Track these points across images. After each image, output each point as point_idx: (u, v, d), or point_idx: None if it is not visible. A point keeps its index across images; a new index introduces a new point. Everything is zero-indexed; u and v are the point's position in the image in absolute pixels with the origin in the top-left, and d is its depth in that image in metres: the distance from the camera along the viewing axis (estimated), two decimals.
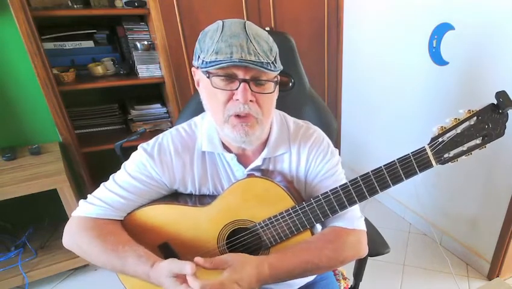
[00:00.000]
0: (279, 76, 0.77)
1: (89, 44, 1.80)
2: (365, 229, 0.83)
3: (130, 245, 0.74)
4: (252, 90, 0.69)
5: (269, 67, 0.67)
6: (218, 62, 0.65)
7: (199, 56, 0.70)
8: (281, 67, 0.74)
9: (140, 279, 0.73)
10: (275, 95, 0.77)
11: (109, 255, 0.73)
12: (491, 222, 1.67)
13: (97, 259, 0.75)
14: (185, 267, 0.64)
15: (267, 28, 2.11)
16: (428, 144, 0.67)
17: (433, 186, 1.97)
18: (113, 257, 0.73)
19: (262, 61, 0.66)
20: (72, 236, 0.77)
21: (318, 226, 0.88)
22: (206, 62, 0.67)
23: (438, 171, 1.91)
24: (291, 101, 1.18)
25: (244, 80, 0.68)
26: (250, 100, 0.69)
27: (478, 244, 1.79)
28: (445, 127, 0.66)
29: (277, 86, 0.76)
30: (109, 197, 0.78)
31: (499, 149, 1.55)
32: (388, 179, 0.70)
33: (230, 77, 0.68)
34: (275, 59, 0.70)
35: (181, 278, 0.66)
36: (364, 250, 0.83)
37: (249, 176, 0.80)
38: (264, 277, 0.71)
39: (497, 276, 1.70)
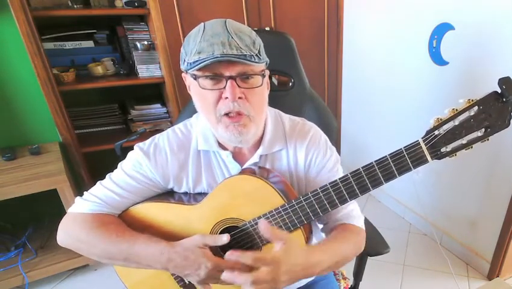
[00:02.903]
0: (268, 71, 0.77)
1: (89, 44, 1.80)
2: (364, 229, 0.85)
3: (136, 232, 0.76)
4: (239, 87, 0.69)
5: (253, 59, 0.67)
6: (201, 60, 0.65)
7: (184, 60, 0.70)
8: (267, 59, 0.74)
9: (145, 260, 0.73)
10: (265, 90, 0.77)
11: (115, 241, 0.73)
12: (491, 222, 1.67)
13: (97, 248, 0.75)
14: (221, 237, 0.67)
15: (267, 28, 2.11)
16: (422, 138, 0.62)
17: (434, 186, 1.97)
18: (120, 242, 0.73)
19: (245, 53, 0.66)
20: (68, 231, 0.77)
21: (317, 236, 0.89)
22: (190, 64, 0.67)
23: (438, 171, 1.91)
24: (291, 101, 1.18)
25: (231, 77, 0.67)
26: (239, 98, 0.69)
27: (478, 244, 1.79)
28: (441, 119, 0.60)
29: (267, 82, 0.76)
30: (104, 194, 0.78)
31: (499, 149, 1.55)
32: (380, 175, 0.66)
33: (216, 77, 0.68)
34: (259, 52, 0.70)
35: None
36: (363, 247, 0.84)
37: (241, 172, 0.80)
38: (311, 270, 0.68)
39: (497, 276, 1.70)
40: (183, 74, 0.76)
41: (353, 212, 0.82)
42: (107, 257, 0.76)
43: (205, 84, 0.69)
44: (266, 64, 0.75)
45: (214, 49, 0.65)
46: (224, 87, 0.68)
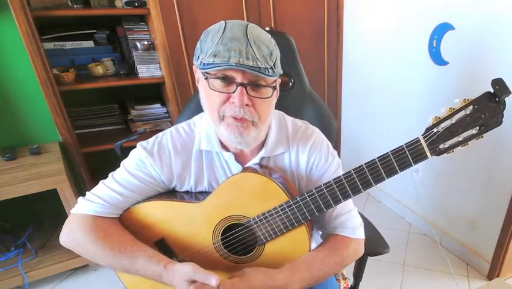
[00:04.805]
0: (279, 80, 0.76)
1: (89, 44, 1.80)
2: (364, 237, 0.85)
3: (138, 246, 0.75)
4: (248, 94, 0.69)
5: (267, 72, 0.67)
6: (215, 65, 0.65)
7: (198, 57, 0.70)
8: (281, 71, 0.74)
9: (148, 278, 0.74)
10: (274, 99, 0.77)
11: (117, 256, 0.74)
12: (491, 222, 1.67)
13: (102, 259, 0.76)
14: (210, 278, 0.65)
15: (267, 28, 2.11)
16: (422, 135, 0.66)
17: (434, 187, 1.97)
18: (121, 257, 0.74)
19: (260, 66, 0.66)
20: (73, 235, 0.77)
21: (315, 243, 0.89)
22: (204, 64, 0.67)
23: (438, 171, 1.91)
24: (291, 101, 1.18)
25: (242, 84, 0.67)
26: (246, 105, 0.69)
27: (478, 244, 1.79)
28: (439, 117, 0.64)
29: (276, 90, 0.76)
30: (107, 194, 0.78)
31: (499, 148, 1.55)
32: (382, 171, 0.69)
33: (227, 80, 0.68)
34: (275, 64, 0.70)
35: (194, 285, 0.67)
36: (361, 253, 0.86)
37: (244, 169, 0.80)
38: None
39: (497, 276, 1.70)
40: (194, 67, 0.76)
41: (349, 222, 0.82)
42: (109, 266, 0.77)
43: (215, 85, 0.69)
44: (279, 75, 0.74)
45: (230, 55, 0.64)
46: (234, 92, 0.68)
